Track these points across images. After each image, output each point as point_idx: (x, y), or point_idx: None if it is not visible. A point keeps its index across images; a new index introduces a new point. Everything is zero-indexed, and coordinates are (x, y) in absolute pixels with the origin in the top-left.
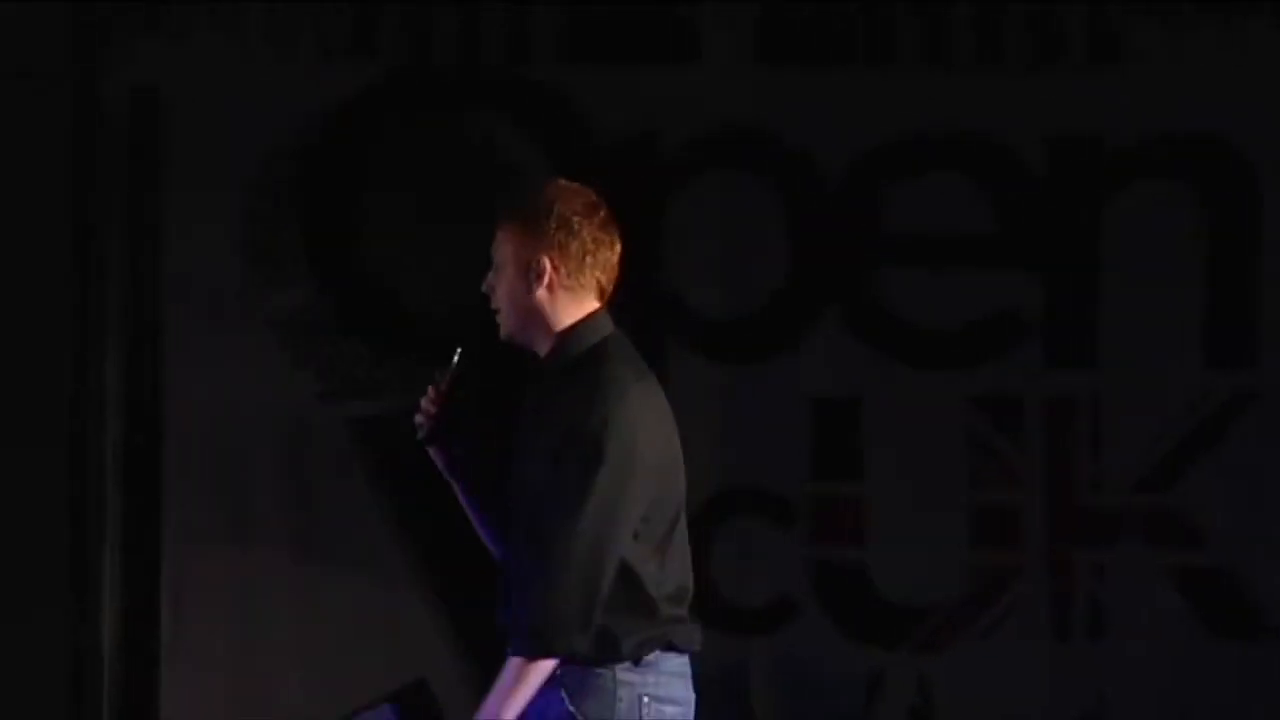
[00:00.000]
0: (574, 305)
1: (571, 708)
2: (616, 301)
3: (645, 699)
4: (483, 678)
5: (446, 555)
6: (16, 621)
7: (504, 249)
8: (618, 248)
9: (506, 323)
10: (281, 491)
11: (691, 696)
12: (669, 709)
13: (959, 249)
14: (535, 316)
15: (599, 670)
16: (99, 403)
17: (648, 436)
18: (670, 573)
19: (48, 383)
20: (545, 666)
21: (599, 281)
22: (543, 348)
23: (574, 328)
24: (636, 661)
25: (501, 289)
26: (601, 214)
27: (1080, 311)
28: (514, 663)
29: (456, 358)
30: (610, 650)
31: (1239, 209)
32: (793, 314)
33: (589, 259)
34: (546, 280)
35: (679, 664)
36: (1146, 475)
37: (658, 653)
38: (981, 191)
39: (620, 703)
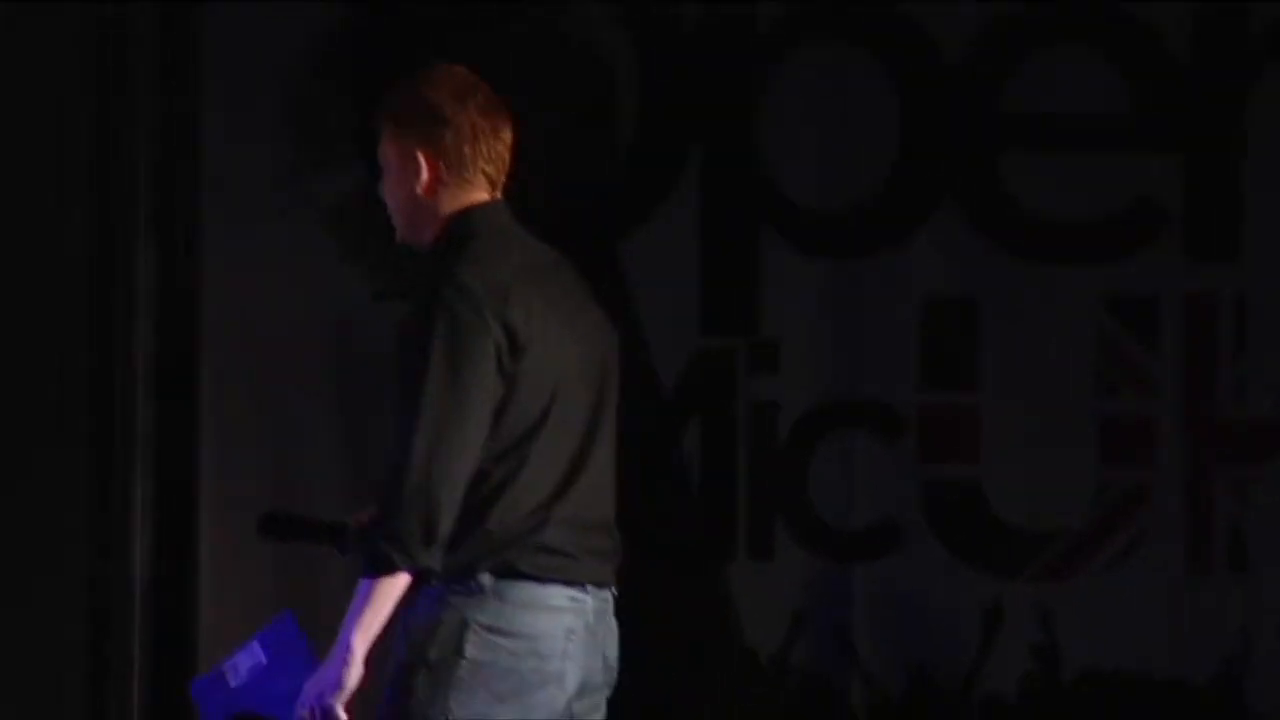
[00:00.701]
0: (461, 199)
1: (401, 626)
2: (710, 191)
3: (473, 627)
4: None
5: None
6: (35, 545)
7: (384, 149)
8: (505, 133)
9: (399, 226)
10: (329, 397)
11: (554, 632)
12: (505, 642)
13: (1090, 132)
14: (422, 216)
15: (431, 589)
16: (130, 307)
17: (519, 324)
18: (533, 489)
19: (74, 287)
20: (389, 585)
21: (485, 173)
22: None
23: (453, 217)
24: (470, 585)
25: (388, 191)
26: (479, 98)
27: (1223, 201)
28: (360, 583)
29: None
30: (446, 569)
31: None
32: (902, 204)
33: (468, 149)
34: (424, 177)
35: (535, 595)
36: None
37: (503, 579)
38: (1115, 68)
39: (441, 626)
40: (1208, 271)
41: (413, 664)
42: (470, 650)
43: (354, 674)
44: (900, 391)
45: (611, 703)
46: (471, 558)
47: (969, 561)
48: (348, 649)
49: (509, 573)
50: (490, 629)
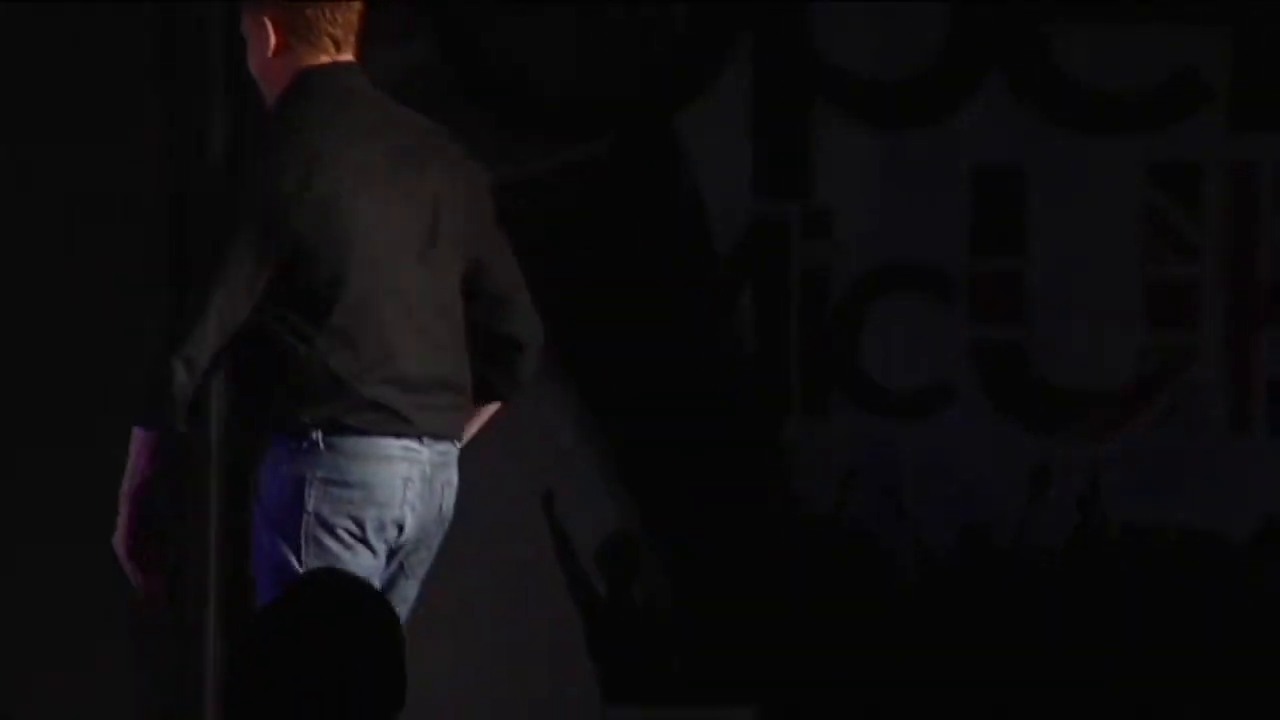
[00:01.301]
0: (305, 61)
1: (253, 488)
2: (764, 63)
3: (311, 481)
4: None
5: (579, 333)
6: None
7: (242, 20)
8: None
9: (263, 91)
10: None
11: (390, 481)
12: (343, 492)
13: (1134, 1)
14: (274, 78)
15: (274, 448)
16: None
17: (324, 189)
18: (358, 349)
19: (150, 171)
20: (144, 437)
21: (331, 35)
22: None
23: (293, 78)
24: (304, 443)
25: (249, 60)
26: None
27: (1268, 70)
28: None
29: None
30: (279, 427)
31: None
32: (951, 74)
33: (311, 13)
34: (272, 41)
35: (366, 447)
36: None
37: (333, 435)
38: None
39: (284, 483)
40: (1250, 140)
41: (263, 522)
42: (311, 504)
43: (121, 518)
44: (950, 256)
45: (670, 556)
46: (303, 417)
47: (1016, 421)
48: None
49: (338, 429)
50: (327, 481)
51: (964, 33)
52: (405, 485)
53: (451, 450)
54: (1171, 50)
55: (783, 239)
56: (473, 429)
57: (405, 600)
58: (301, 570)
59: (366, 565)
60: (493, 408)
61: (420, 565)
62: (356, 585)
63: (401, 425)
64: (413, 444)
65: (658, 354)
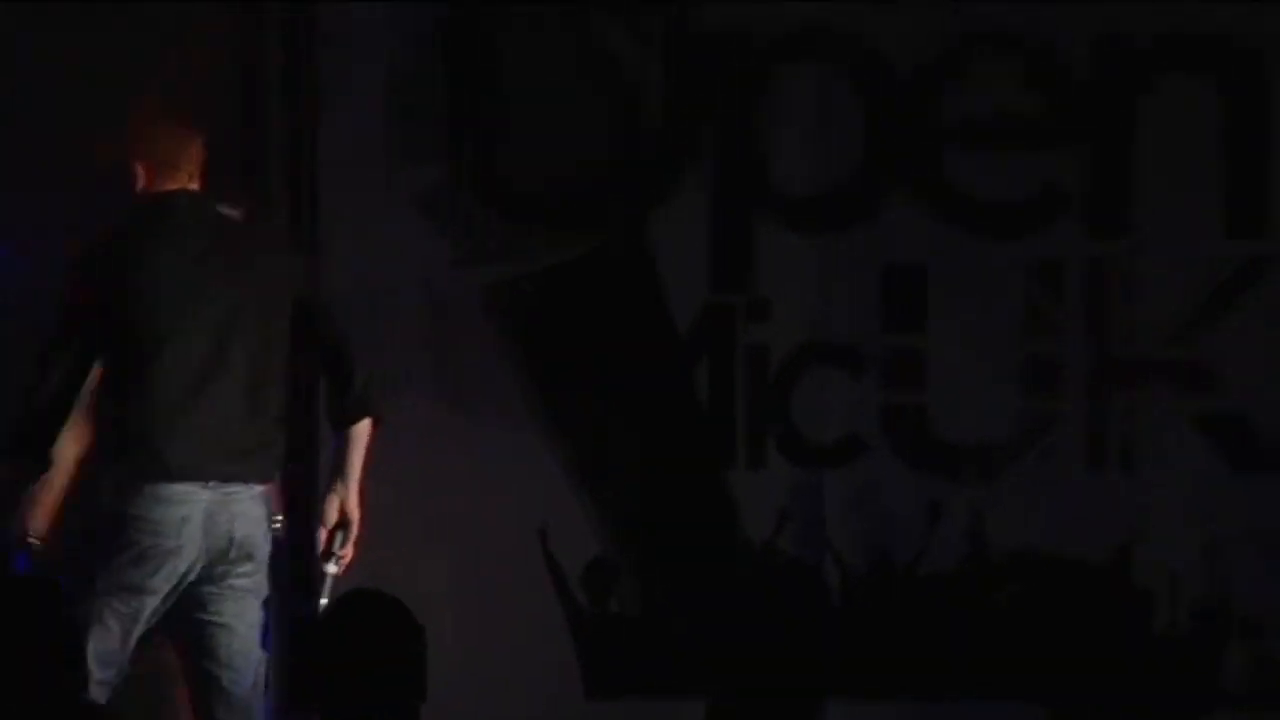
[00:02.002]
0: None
1: None
2: (718, 178)
3: (124, 514)
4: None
5: (568, 402)
6: None
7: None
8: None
9: None
10: (419, 349)
11: (173, 517)
12: (138, 526)
13: (1014, 134)
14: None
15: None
16: None
17: (128, 275)
18: (157, 409)
19: None
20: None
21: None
22: None
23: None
24: (120, 483)
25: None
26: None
27: (1116, 187)
28: None
29: None
30: (113, 474)
31: (1253, 100)
32: (867, 190)
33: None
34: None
35: (159, 491)
36: (1174, 330)
37: (137, 480)
38: (1033, 83)
39: (107, 516)
40: (1104, 243)
41: (93, 544)
42: (120, 533)
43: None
44: (865, 336)
45: (641, 576)
46: (118, 464)
47: (917, 469)
48: None
49: (140, 475)
50: (132, 516)
51: (876, 155)
52: (183, 522)
53: (238, 490)
54: (1041, 169)
55: (730, 323)
56: (354, 457)
57: (229, 615)
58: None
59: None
60: (364, 434)
61: (233, 580)
62: (391, 599)
63: (191, 472)
64: (195, 488)
65: (632, 416)
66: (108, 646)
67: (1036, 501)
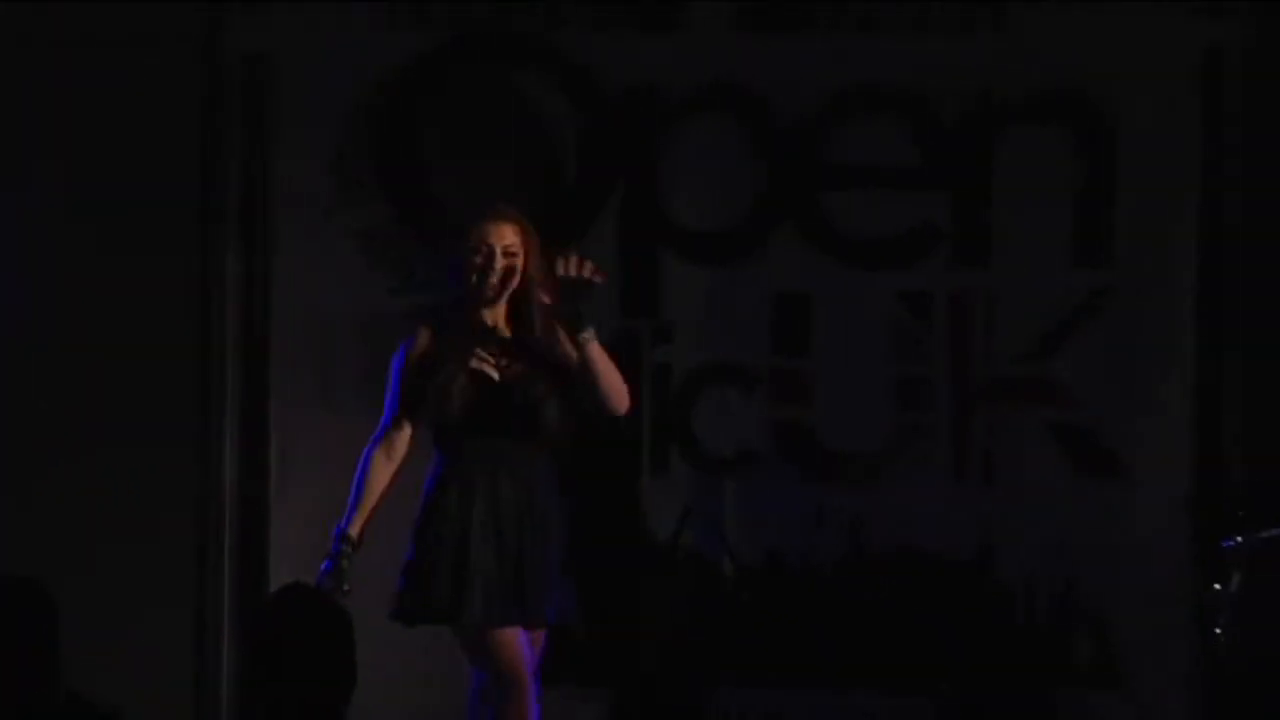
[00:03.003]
0: None
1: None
2: (627, 216)
3: None
4: None
5: None
6: (153, 475)
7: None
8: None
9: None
10: (361, 367)
11: None
12: None
13: (887, 176)
14: None
15: None
16: (221, 298)
17: None
18: None
19: (181, 281)
20: None
21: None
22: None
23: None
24: None
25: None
26: None
27: (978, 225)
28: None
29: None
30: None
31: (1097, 147)
32: (758, 227)
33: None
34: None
35: None
36: (1029, 351)
37: None
38: (905, 132)
39: None
40: (967, 274)
41: None
42: None
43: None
44: (757, 357)
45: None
46: None
47: (803, 475)
48: None
49: None
50: None
51: (766, 195)
52: None
53: None
54: (911, 209)
55: (637, 345)
56: None
57: None
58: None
59: None
60: None
61: None
62: (320, 596)
63: None
64: None
65: None
66: None
67: (909, 506)
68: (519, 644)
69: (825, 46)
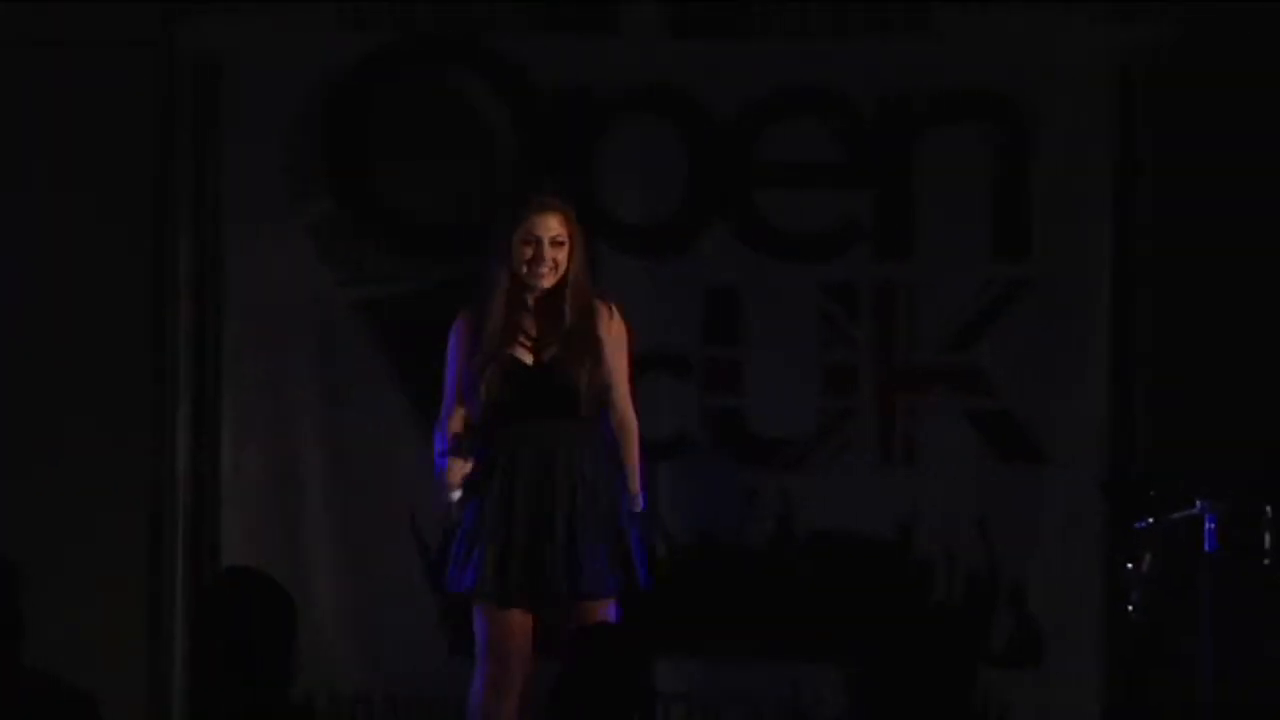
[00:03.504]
0: None
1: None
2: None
3: None
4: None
5: (431, 399)
6: (108, 461)
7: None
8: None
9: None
10: (310, 354)
11: None
12: None
13: (813, 174)
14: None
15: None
16: (175, 288)
17: None
18: None
19: (135, 273)
20: None
21: None
22: None
23: None
24: None
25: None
26: None
27: (900, 220)
28: None
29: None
30: None
31: (1013, 146)
32: (690, 222)
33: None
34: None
35: None
36: (949, 340)
37: None
38: (830, 131)
39: None
40: (890, 266)
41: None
42: None
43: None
44: (690, 345)
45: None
46: None
47: (734, 458)
48: None
49: None
50: None
51: (697, 193)
52: None
53: None
54: (838, 205)
55: None
56: None
57: None
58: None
59: None
60: None
61: None
62: (264, 577)
63: None
64: None
65: None
66: None
67: (834, 487)
68: (508, 626)
69: (753, 49)
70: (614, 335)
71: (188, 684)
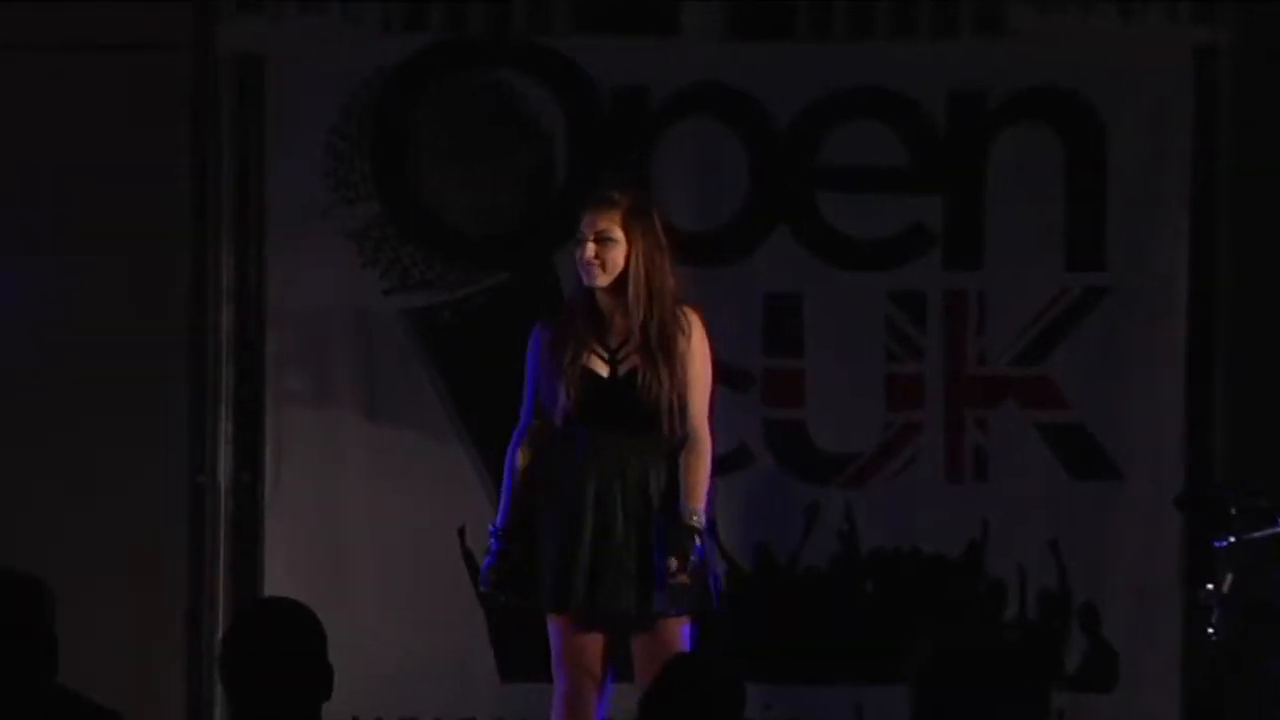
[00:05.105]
0: None
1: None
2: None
3: None
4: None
5: (482, 415)
6: (151, 464)
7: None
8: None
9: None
10: (354, 365)
11: None
12: None
13: (879, 178)
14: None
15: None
16: (216, 295)
17: None
18: None
19: (176, 280)
20: None
21: None
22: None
23: None
24: None
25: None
26: None
27: (970, 226)
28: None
29: None
30: None
31: (1089, 149)
32: (750, 227)
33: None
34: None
35: None
36: (1020, 352)
37: None
38: (897, 134)
39: None
40: (959, 275)
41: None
42: None
43: None
44: (750, 357)
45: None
46: None
47: (796, 475)
48: None
49: None
50: None
51: (757, 198)
52: None
53: None
54: (904, 212)
55: None
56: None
57: None
58: None
59: None
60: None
61: None
62: (294, 605)
63: None
64: None
65: None
66: None
67: (900, 504)
68: (580, 642)
69: (816, 50)
70: (695, 348)
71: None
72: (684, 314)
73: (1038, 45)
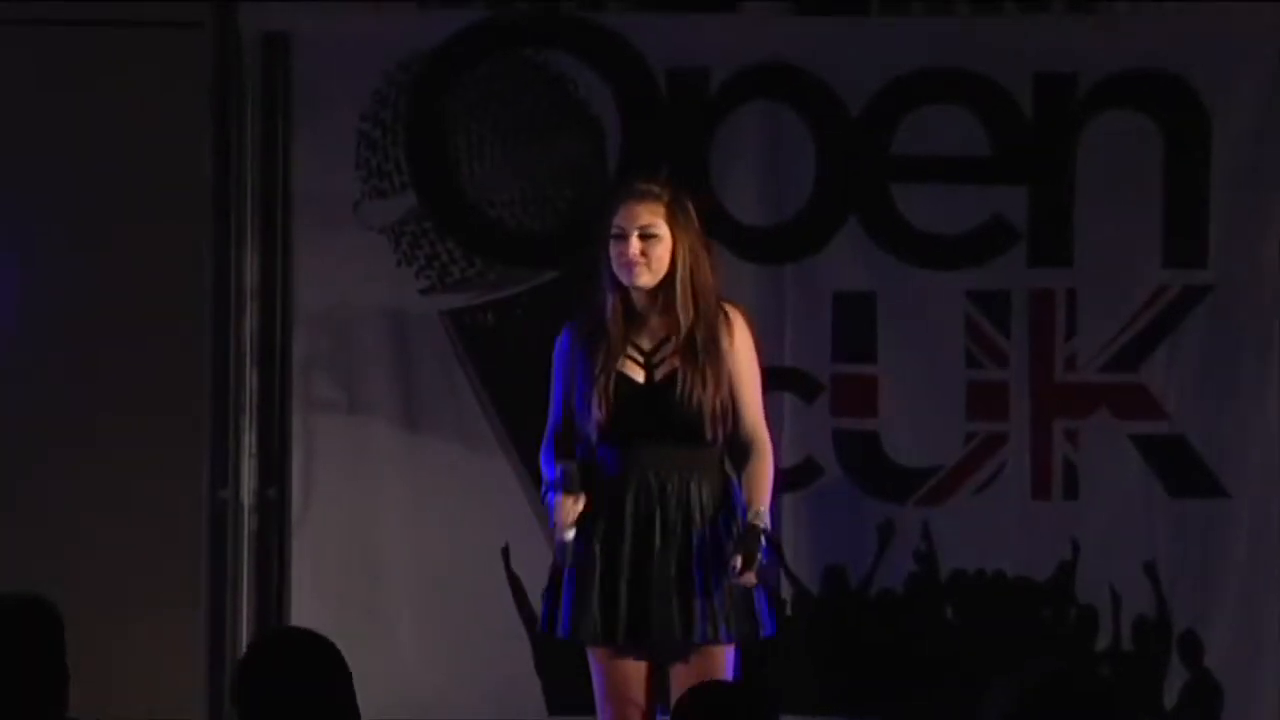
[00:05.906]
0: None
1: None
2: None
3: None
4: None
5: (528, 425)
6: (169, 478)
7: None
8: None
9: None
10: (388, 371)
11: None
12: None
13: (959, 168)
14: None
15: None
16: (240, 295)
17: None
18: None
19: (197, 279)
20: None
21: None
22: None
23: None
24: None
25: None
26: None
27: (1058, 220)
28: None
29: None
30: None
31: (1190, 135)
32: (818, 221)
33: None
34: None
35: None
36: (1113, 357)
37: None
38: (978, 119)
39: None
40: (1046, 273)
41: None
42: None
43: None
44: (818, 363)
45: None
46: None
47: (868, 490)
48: None
49: None
50: None
51: (827, 189)
52: None
53: None
54: (985, 204)
55: None
56: None
57: None
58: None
59: None
60: None
61: None
62: (312, 637)
63: None
64: None
65: None
66: None
67: (983, 522)
68: (622, 673)
69: (889, 29)
70: (740, 346)
71: None
72: (729, 311)
73: (1135, 24)
